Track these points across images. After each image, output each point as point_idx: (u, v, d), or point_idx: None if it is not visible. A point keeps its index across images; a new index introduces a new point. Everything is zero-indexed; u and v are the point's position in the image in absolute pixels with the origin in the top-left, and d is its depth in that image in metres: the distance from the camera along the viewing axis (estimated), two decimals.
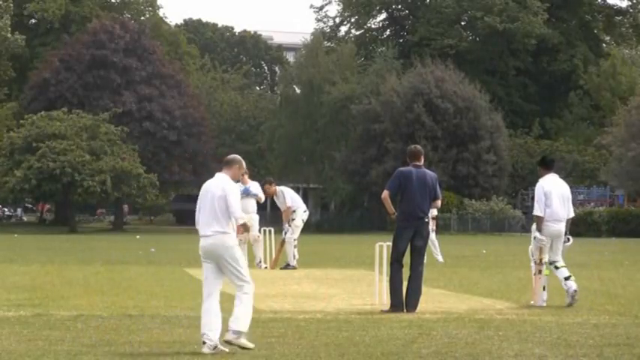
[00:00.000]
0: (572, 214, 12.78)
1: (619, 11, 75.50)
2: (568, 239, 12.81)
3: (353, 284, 15.83)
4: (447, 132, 53.96)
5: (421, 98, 53.91)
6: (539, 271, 12.58)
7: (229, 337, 8.45)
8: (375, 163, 53.81)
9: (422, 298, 11.84)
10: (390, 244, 11.90)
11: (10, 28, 58.02)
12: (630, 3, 75.45)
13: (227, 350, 8.39)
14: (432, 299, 12.95)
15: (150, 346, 8.52)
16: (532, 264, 12.76)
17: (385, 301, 12.14)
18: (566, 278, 12.45)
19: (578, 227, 48.88)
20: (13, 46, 59.21)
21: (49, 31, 65.61)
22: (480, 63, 68.36)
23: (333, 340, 9.03)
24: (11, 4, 58.74)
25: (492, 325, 10.22)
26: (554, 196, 12.56)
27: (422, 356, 8.19)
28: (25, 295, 13.16)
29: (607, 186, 64.55)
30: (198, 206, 8.97)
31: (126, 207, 73.59)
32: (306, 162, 61.06)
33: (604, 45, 75.71)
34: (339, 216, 59.56)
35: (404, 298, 11.60)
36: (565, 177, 66.19)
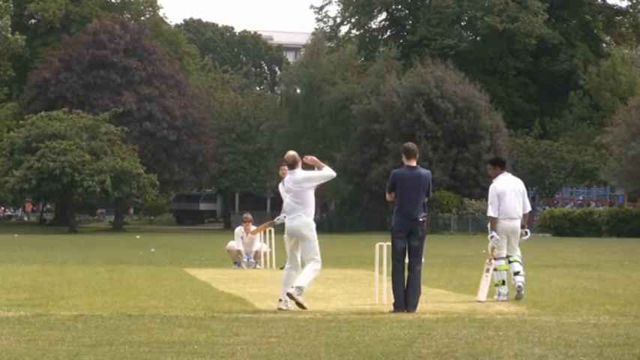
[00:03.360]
0: (528, 209, 13.27)
1: (619, 11, 75.48)
2: (526, 232, 13.31)
3: (353, 284, 15.83)
4: (447, 132, 53.95)
5: (421, 98, 53.91)
6: (487, 270, 13.03)
7: (291, 290, 11.46)
8: (375, 163, 53.80)
9: (422, 298, 11.85)
10: (390, 243, 11.99)
11: (10, 28, 58.02)
12: (630, 3, 75.49)
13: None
14: (432, 299, 12.96)
15: (150, 346, 8.51)
16: (494, 261, 13.10)
17: (386, 301, 12.15)
18: (516, 273, 13.06)
19: (578, 227, 48.99)
20: (13, 46, 59.21)
21: (49, 31, 65.61)
22: (480, 63, 68.36)
23: (333, 340, 9.03)
24: (11, 5, 58.75)
25: (492, 325, 10.22)
26: (508, 194, 13.08)
27: (422, 356, 8.19)
28: (25, 295, 13.16)
29: (607, 186, 64.52)
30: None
31: (131, 209, 74.20)
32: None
33: (604, 45, 75.66)
34: (339, 216, 59.52)
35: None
36: (565, 177, 65.86)
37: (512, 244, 13.21)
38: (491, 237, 13.06)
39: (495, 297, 12.96)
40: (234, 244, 20.25)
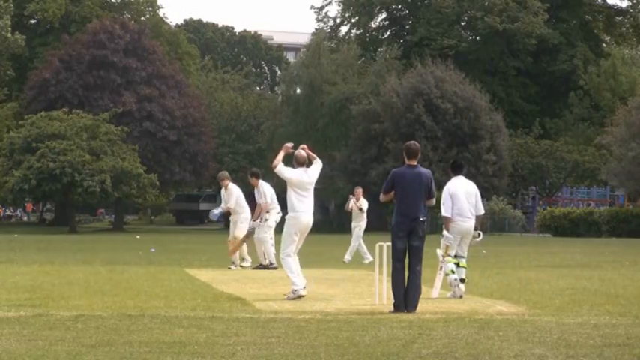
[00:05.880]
0: (481, 212, 13.65)
1: (619, 11, 75.50)
2: (479, 234, 13.70)
3: (353, 284, 15.83)
4: (447, 132, 53.94)
5: (421, 98, 53.90)
6: (441, 268, 13.48)
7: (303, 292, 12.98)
8: (375, 163, 53.81)
9: (422, 298, 11.85)
10: (390, 243, 11.98)
11: (10, 28, 57.99)
12: (630, 3, 75.49)
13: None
14: (432, 299, 12.96)
15: (150, 346, 8.51)
16: (441, 261, 13.54)
17: (386, 301, 12.15)
18: (461, 280, 13.36)
19: (579, 227, 48.95)
20: (13, 46, 59.18)
21: (49, 31, 65.61)
22: (480, 63, 68.35)
23: (333, 340, 9.03)
24: (11, 5, 58.70)
25: (492, 325, 10.21)
26: (460, 195, 13.42)
27: (422, 356, 8.19)
28: (25, 295, 13.15)
29: (607, 186, 64.41)
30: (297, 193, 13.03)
31: (148, 210, 74.82)
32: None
33: (604, 45, 75.70)
34: (339, 216, 59.48)
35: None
36: (565, 177, 65.68)
37: (463, 245, 13.58)
38: (442, 236, 13.37)
39: (449, 294, 13.30)
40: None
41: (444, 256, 13.44)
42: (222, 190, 20.45)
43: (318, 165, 13.30)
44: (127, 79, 59.33)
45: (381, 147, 54.26)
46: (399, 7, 74.80)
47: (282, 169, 13.08)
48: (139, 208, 79.76)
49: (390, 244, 11.97)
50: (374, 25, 75.70)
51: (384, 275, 12.42)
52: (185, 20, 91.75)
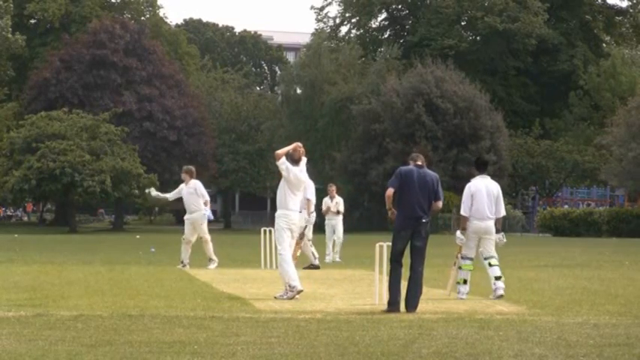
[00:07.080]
0: (502, 213, 13.49)
1: (619, 11, 75.50)
2: (503, 235, 13.55)
3: (353, 284, 15.83)
4: (447, 132, 53.92)
5: (421, 98, 53.88)
6: (454, 263, 13.44)
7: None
8: (375, 163, 53.78)
9: (422, 298, 11.84)
10: (390, 243, 11.94)
11: (10, 28, 57.99)
12: (630, 3, 75.51)
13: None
14: (432, 299, 12.96)
15: (150, 346, 8.51)
16: (460, 260, 13.38)
17: (386, 301, 12.15)
18: (497, 278, 13.18)
19: (579, 227, 48.91)
20: (13, 46, 59.18)
21: (49, 31, 65.63)
22: (480, 63, 68.37)
23: (333, 340, 9.03)
24: (11, 5, 58.70)
25: (492, 325, 10.21)
26: (482, 195, 13.28)
27: (422, 356, 8.19)
28: (25, 295, 13.14)
29: (607, 186, 64.42)
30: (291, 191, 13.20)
31: (156, 208, 75.01)
32: (307, 162, 61.00)
33: (604, 45, 75.70)
34: None
35: (402, 298, 11.60)
36: (565, 177, 65.55)
37: (487, 246, 13.36)
38: (456, 236, 13.36)
39: (457, 295, 13.17)
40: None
41: (457, 254, 13.41)
42: (183, 185, 19.97)
43: (304, 161, 13.71)
44: (127, 79, 59.35)
45: (381, 147, 54.24)
46: (399, 7, 74.80)
47: (285, 162, 13.30)
48: (139, 208, 79.81)
49: (389, 244, 11.95)
50: (374, 25, 75.74)
51: (383, 275, 12.42)
52: (185, 20, 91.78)
